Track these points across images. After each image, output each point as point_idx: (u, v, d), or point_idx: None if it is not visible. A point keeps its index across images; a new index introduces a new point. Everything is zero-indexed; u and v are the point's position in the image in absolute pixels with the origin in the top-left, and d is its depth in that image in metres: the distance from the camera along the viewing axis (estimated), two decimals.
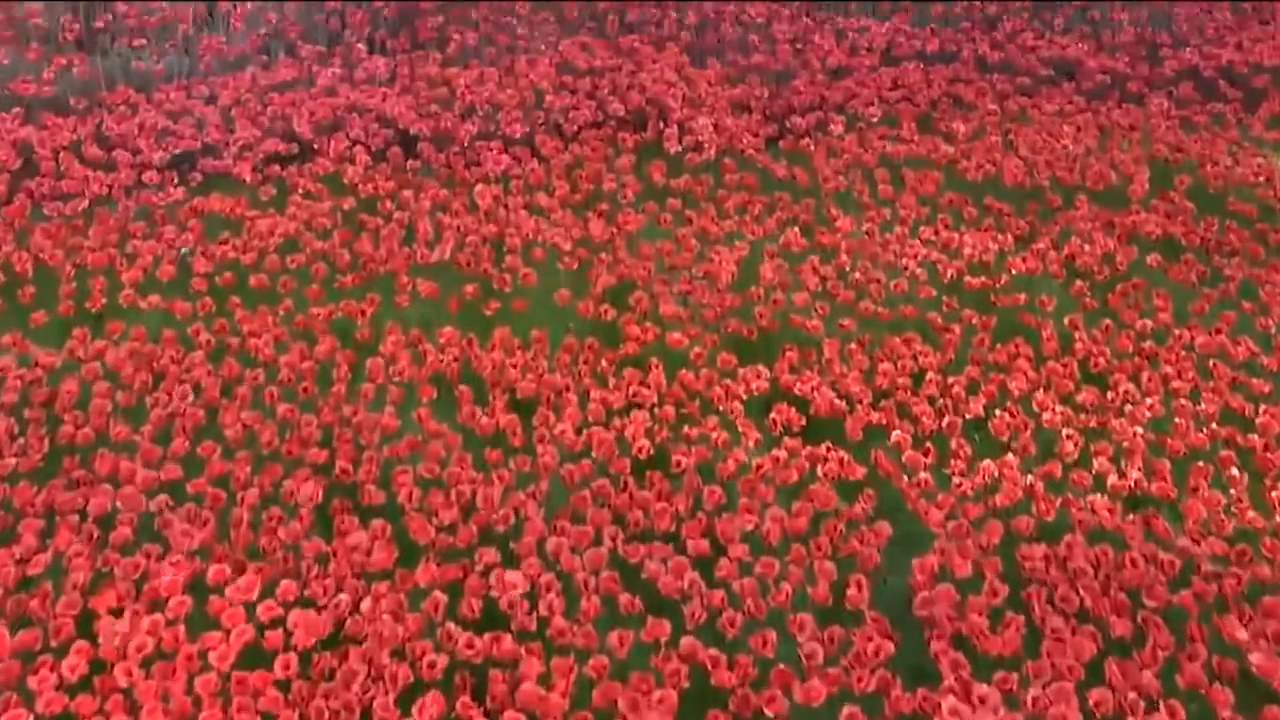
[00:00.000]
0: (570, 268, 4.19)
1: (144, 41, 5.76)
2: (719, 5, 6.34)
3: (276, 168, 4.88)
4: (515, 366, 3.73)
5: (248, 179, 4.77)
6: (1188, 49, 6.33)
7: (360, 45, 5.83)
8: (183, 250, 4.30)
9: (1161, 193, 4.97)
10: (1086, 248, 4.39)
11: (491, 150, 5.12)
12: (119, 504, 3.11)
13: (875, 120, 5.36)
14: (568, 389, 3.62)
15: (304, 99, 5.44)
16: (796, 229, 4.46)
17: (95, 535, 3.07)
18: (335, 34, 6.05)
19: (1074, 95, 5.92)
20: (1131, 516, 3.13)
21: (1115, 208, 4.85)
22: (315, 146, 5.07)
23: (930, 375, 3.71)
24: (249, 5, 5.98)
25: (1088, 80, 6.04)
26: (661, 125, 5.23)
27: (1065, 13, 6.69)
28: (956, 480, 3.24)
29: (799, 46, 6.26)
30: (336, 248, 4.35)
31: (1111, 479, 3.25)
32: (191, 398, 3.57)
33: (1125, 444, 3.41)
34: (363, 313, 3.91)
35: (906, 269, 4.18)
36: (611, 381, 3.66)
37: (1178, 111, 5.75)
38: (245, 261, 4.26)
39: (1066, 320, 4.02)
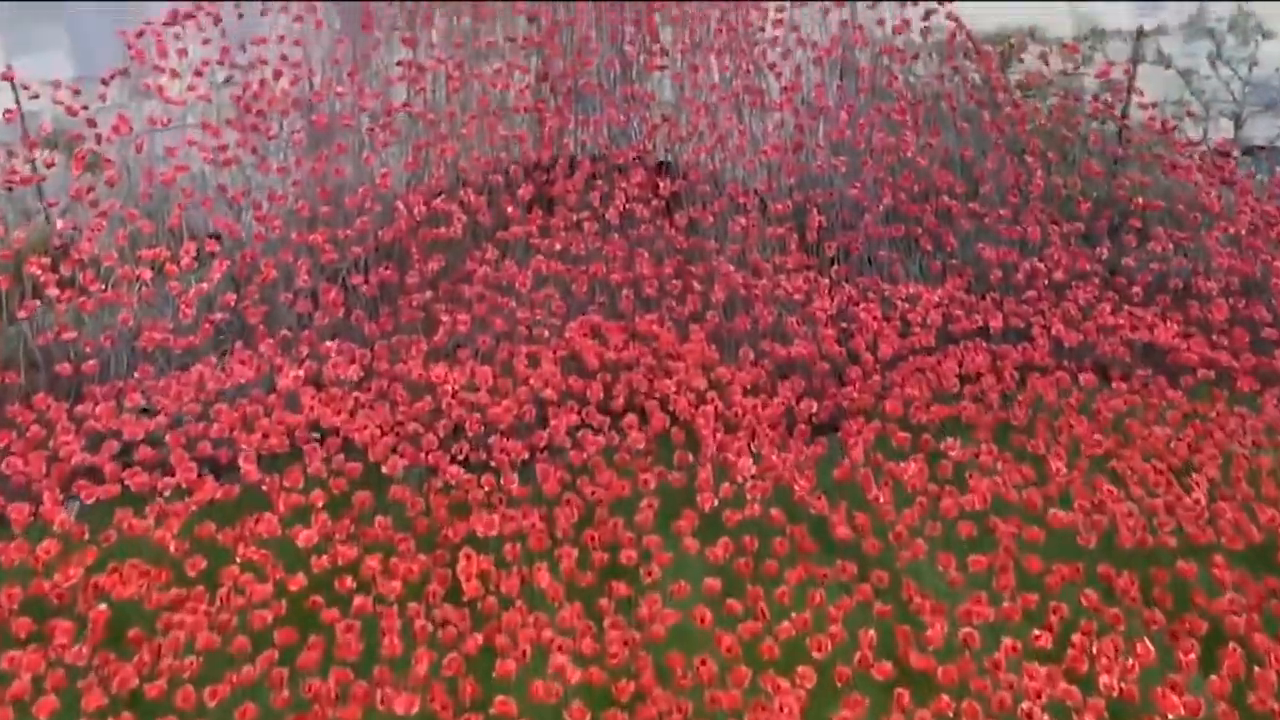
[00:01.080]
0: None
1: (75, 334, 4.86)
2: (749, 279, 5.48)
3: (211, 525, 3.90)
4: None
5: (172, 549, 3.77)
6: None
7: (329, 344, 4.93)
8: None
9: None
10: (1256, 669, 3.38)
11: (483, 489, 4.17)
12: None
13: (951, 451, 4.41)
14: None
15: (257, 414, 4.50)
16: (873, 633, 3.45)
17: None
18: (305, 316, 5.16)
19: (1172, 390, 5.01)
20: None
21: (1263, 572, 3.87)
22: (264, 487, 4.10)
23: None
24: (204, 285, 5.10)
25: (1186, 374, 5.14)
26: (691, 459, 4.28)
27: (1143, 279, 5.84)
28: None
29: (844, 326, 5.38)
30: (274, 664, 3.33)
31: None
32: None
33: None
34: None
35: (1029, 718, 3.15)
36: None
37: None
38: (150, 694, 3.23)
39: None
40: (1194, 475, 4.32)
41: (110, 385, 4.74)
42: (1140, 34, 7.99)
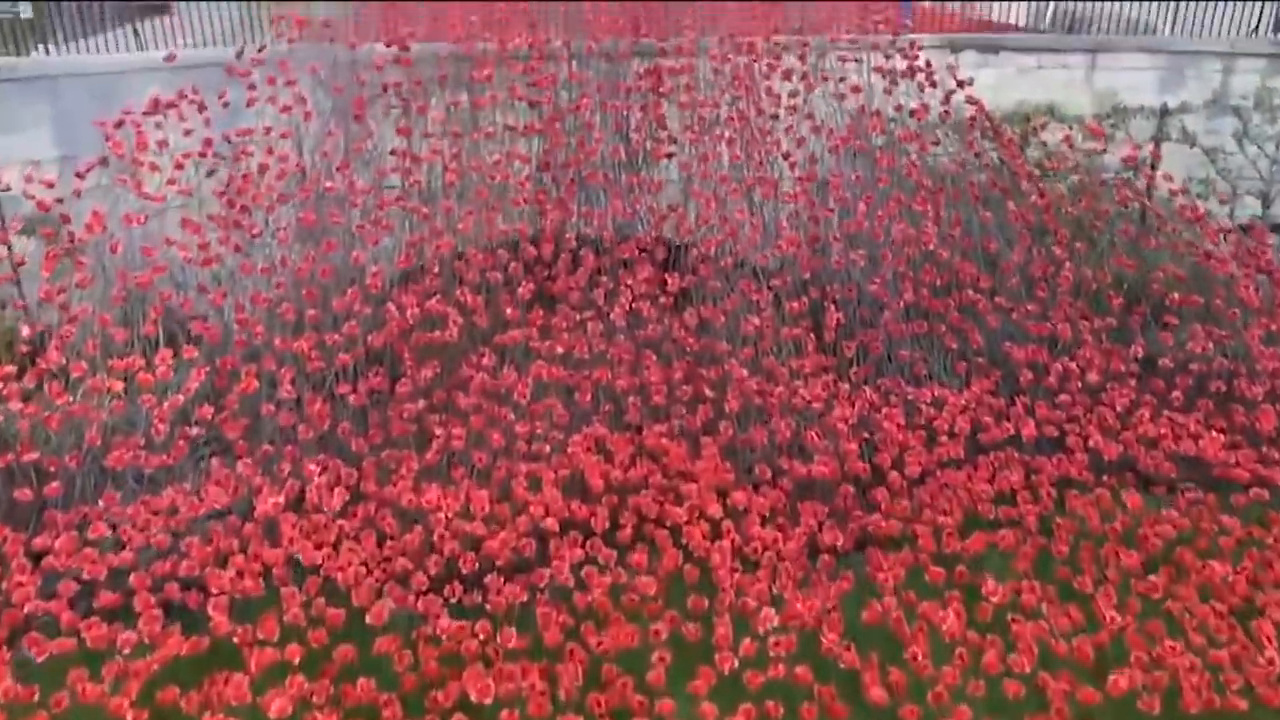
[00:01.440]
0: None
1: (37, 455, 4.48)
2: (765, 385, 5.10)
3: (175, 689, 3.50)
4: None
5: (129, 717, 3.38)
6: None
7: (312, 466, 4.55)
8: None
9: None
10: None
11: (478, 638, 3.78)
12: None
13: (992, 596, 4.02)
14: None
15: (231, 547, 4.13)
16: None
17: None
18: (287, 430, 4.79)
19: (1225, 516, 4.63)
20: None
21: None
22: (235, 640, 3.71)
23: None
24: (179, 397, 4.73)
25: (1235, 490, 4.77)
26: (706, 604, 3.90)
27: (1183, 381, 5.48)
28: None
29: (867, 436, 5.00)
30: None
31: None
32: None
33: None
34: None
35: None
36: None
37: None
38: None
39: None
40: (1258, 619, 3.93)
41: (74, 511, 4.35)
42: (1164, 112, 7.72)
